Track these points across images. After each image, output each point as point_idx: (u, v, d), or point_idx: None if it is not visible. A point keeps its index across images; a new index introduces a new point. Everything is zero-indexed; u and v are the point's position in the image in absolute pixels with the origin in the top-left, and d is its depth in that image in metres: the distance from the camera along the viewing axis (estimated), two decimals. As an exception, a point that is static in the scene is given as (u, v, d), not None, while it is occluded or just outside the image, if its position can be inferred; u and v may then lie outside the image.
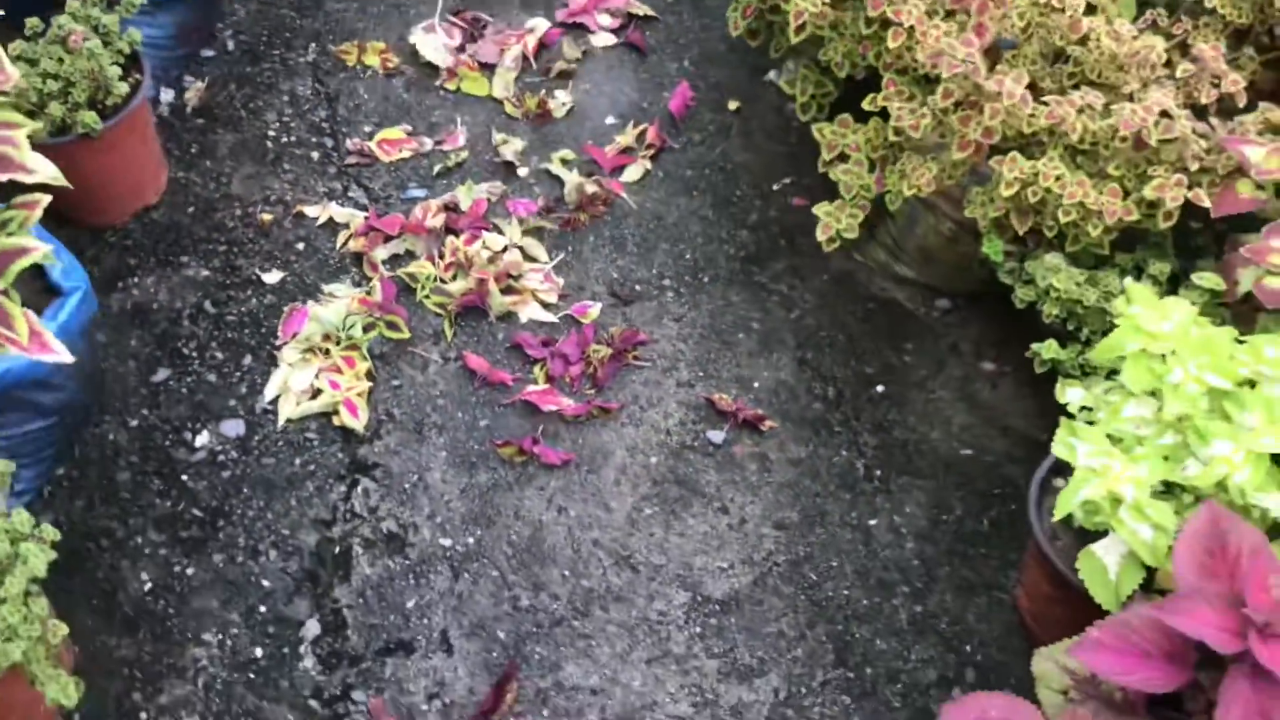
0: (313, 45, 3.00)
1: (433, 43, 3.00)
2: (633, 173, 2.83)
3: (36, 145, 2.28)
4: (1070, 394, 1.98)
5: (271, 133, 2.81)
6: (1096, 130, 2.15)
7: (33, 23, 2.38)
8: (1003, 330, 2.62)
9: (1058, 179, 2.10)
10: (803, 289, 2.67)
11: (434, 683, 2.06)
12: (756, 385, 2.51)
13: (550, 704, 2.05)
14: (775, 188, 2.85)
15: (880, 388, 2.53)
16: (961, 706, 1.67)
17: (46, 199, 1.99)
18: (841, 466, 2.40)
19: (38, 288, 2.15)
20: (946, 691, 2.13)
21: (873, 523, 2.33)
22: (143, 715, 1.98)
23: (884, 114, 2.35)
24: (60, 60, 2.34)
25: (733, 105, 3.00)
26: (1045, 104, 2.14)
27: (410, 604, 2.14)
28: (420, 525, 2.24)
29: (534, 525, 2.26)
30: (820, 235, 2.37)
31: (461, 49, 3.03)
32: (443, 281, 2.54)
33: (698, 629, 2.16)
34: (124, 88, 2.39)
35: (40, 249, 1.86)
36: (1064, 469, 1.96)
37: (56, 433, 2.19)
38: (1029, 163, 2.13)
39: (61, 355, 1.88)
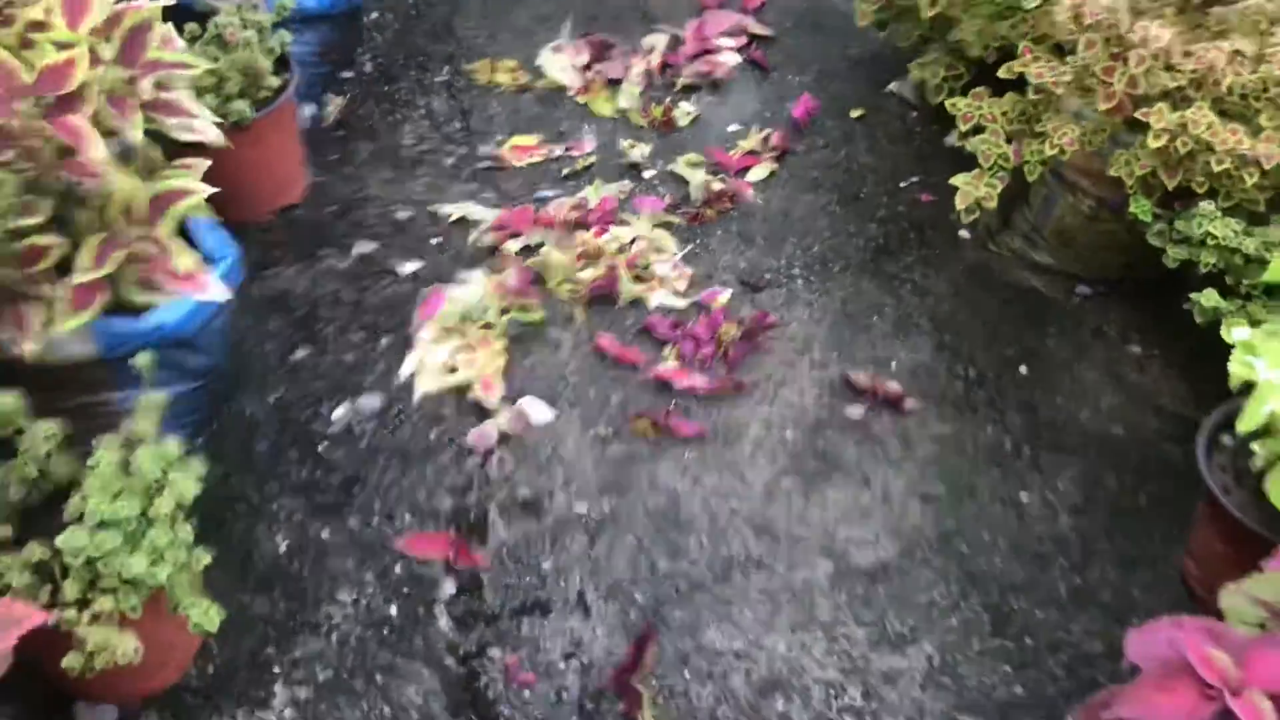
0: (446, 67, 3.10)
1: (560, 62, 3.08)
2: (758, 173, 2.83)
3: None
4: (1237, 332, 1.89)
5: (407, 142, 2.89)
6: (1246, 82, 2.09)
7: (191, 27, 2.50)
8: (1147, 315, 2.53)
9: (1209, 126, 2.04)
10: (936, 279, 2.62)
11: (571, 642, 1.99)
12: (894, 366, 2.45)
13: (691, 666, 1.97)
14: (902, 185, 2.83)
15: (1023, 369, 2.44)
16: (1148, 632, 1.55)
17: (206, 163, 2.06)
18: (988, 443, 2.31)
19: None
20: (1114, 663, 1.99)
21: (1024, 497, 2.23)
22: (275, 669, 1.94)
23: (1020, 86, 2.33)
24: (216, 59, 2.45)
25: (855, 114, 3.01)
26: (1191, 53, 2.09)
27: (546, 566, 2.09)
28: (555, 493, 2.20)
29: (669, 495, 2.21)
30: (959, 203, 2.32)
31: (588, 67, 3.10)
32: (574, 270, 2.55)
33: (843, 597, 2.07)
34: (275, 81, 2.49)
35: (201, 190, 1.91)
36: (1230, 425, 1.86)
37: (201, 398, 2.21)
38: (1176, 113, 2.07)
39: (220, 294, 1.92)
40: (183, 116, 1.90)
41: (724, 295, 2.54)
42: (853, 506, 2.20)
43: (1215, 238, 2.04)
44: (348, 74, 3.05)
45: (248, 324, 2.46)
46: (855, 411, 2.35)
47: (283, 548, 2.11)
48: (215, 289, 1.92)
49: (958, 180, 2.35)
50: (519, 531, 2.14)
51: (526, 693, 1.93)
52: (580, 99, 3.02)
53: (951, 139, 2.91)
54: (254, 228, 2.65)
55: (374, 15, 3.24)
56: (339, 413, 2.32)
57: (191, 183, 1.91)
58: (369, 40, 3.15)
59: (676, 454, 2.28)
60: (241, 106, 2.41)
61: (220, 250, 2.19)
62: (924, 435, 2.32)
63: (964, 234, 2.72)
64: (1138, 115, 2.11)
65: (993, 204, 2.32)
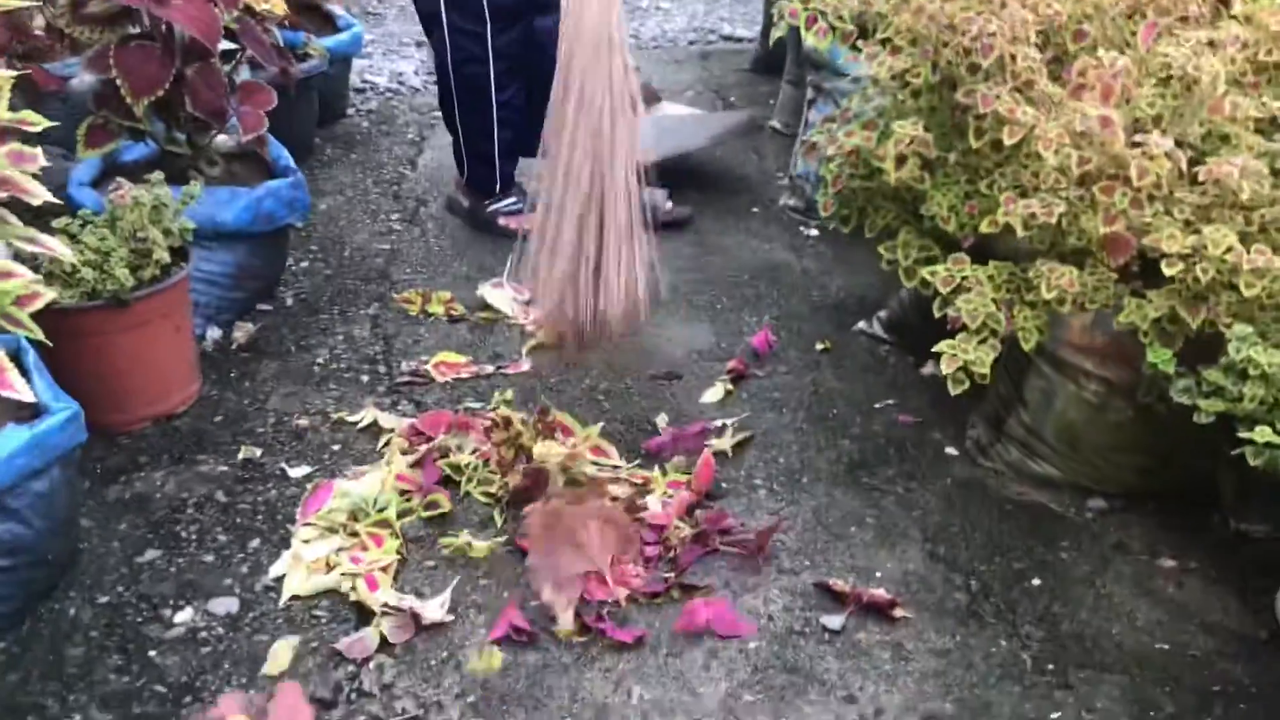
0: (375, 304, 2.85)
1: (501, 295, 2.85)
2: (711, 394, 2.51)
3: (62, 313, 2.09)
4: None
5: (320, 362, 2.58)
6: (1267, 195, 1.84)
7: (84, 212, 2.27)
8: (1175, 530, 2.14)
9: (1228, 249, 1.77)
10: (922, 491, 2.23)
11: None
12: (879, 575, 2.00)
13: None
14: (877, 407, 2.50)
15: (1036, 580, 2.00)
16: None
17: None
18: (1002, 657, 1.83)
19: (14, 403, 1.83)
20: None
21: (1054, 716, 1.72)
22: None
23: (1006, 256, 2.09)
24: (103, 238, 2.20)
25: (820, 346, 2.74)
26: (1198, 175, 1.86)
27: (424, 792, 1.55)
28: (446, 705, 1.69)
29: (596, 709, 1.70)
30: (945, 368, 2.00)
31: (531, 302, 2.86)
32: (495, 472, 2.15)
33: (827, 833, 1.52)
34: (165, 255, 2.22)
35: (23, 274, 1.58)
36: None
37: (3, 585, 1.75)
38: (1190, 236, 1.81)
39: (23, 394, 1.53)
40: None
41: (673, 503, 2.13)
42: (836, 724, 1.69)
43: (1259, 365, 1.70)
44: (265, 306, 2.79)
45: (91, 525, 2.03)
46: (834, 620, 1.88)
47: (72, 768, 1.56)
48: (19, 389, 1.53)
49: (944, 345, 2.03)
50: (392, 748, 1.61)
51: None
52: (522, 325, 2.74)
53: (929, 368, 2.63)
54: (125, 436, 2.27)
55: (304, 263, 3.04)
56: (182, 616, 1.84)
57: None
58: (294, 281, 2.93)
59: (608, 663, 1.78)
60: (122, 273, 2.12)
61: (57, 399, 1.82)
62: (921, 648, 1.85)
63: (951, 450, 2.36)
64: (1146, 241, 1.84)
65: (985, 370, 1.99)
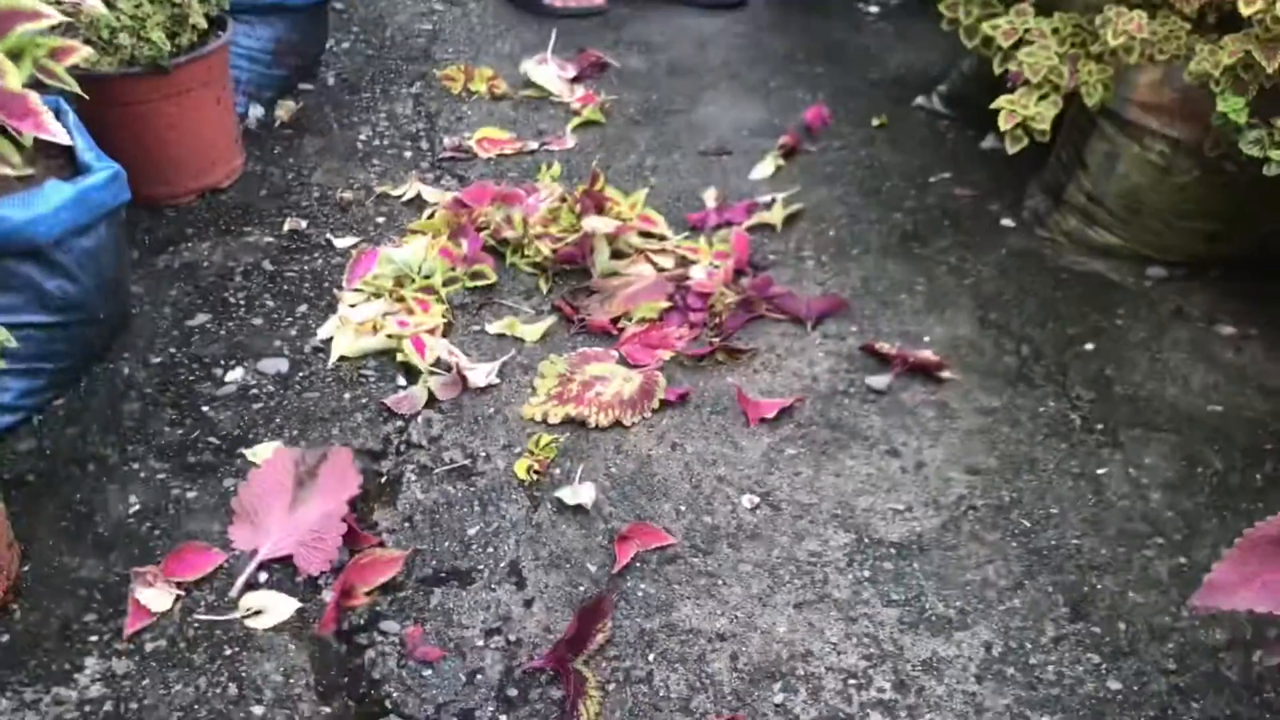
0: (418, 82, 2.79)
1: (545, 72, 2.77)
2: (762, 169, 2.45)
3: (102, 80, 2.06)
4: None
5: (363, 138, 2.54)
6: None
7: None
8: (1238, 297, 2.08)
9: (1307, -13, 1.66)
10: (975, 261, 2.18)
11: (495, 616, 1.46)
12: (927, 340, 1.98)
13: (659, 648, 1.42)
14: (932, 180, 2.43)
15: (1089, 345, 1.97)
16: None
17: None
18: (1051, 416, 1.81)
19: (60, 163, 1.82)
20: (1244, 655, 1.43)
21: (1101, 472, 1.71)
22: (91, 638, 1.42)
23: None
24: (139, 4, 2.14)
25: (876, 122, 2.65)
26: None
27: (471, 532, 1.58)
28: (493, 455, 1.71)
29: (639, 460, 1.71)
30: (1003, 123, 1.92)
31: (577, 80, 2.79)
32: (539, 237, 2.13)
33: (866, 573, 1.53)
34: (201, 21, 2.17)
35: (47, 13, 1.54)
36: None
37: (58, 342, 1.77)
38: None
39: (58, 135, 1.52)
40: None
41: (719, 272, 2.10)
42: (878, 475, 1.69)
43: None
44: (307, 85, 2.74)
45: (141, 291, 2.04)
46: (879, 381, 1.87)
47: (134, 508, 1.61)
48: (54, 131, 1.51)
49: (1001, 101, 1.95)
50: (439, 494, 1.64)
51: (428, 671, 1.38)
52: (567, 103, 2.68)
53: (989, 142, 2.55)
54: (171, 209, 2.27)
55: (345, 44, 2.97)
56: (233, 375, 1.87)
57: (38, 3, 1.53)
58: (335, 61, 2.87)
59: (652, 420, 1.79)
60: (159, 36, 2.08)
61: (101, 160, 1.81)
62: (967, 407, 1.83)
63: (1007, 221, 2.30)
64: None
65: (1044, 127, 1.92)
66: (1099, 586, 1.52)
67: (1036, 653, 1.43)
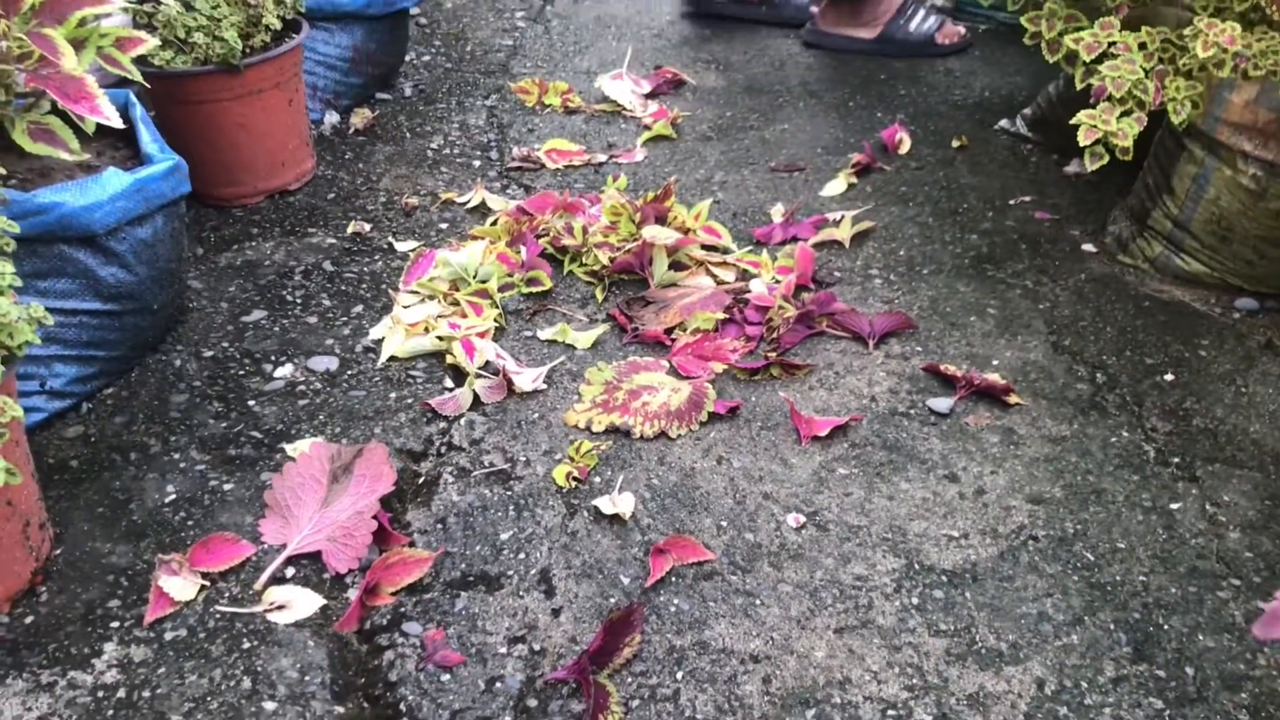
0: (493, 95, 2.79)
1: (619, 87, 2.75)
2: (833, 187, 2.38)
3: (174, 77, 2.09)
4: None
5: (434, 147, 2.54)
6: None
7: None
8: (1337, 332, 1.95)
9: None
10: (1052, 286, 2.09)
11: (521, 624, 1.41)
12: (996, 364, 1.89)
13: (688, 666, 1.36)
14: (1011, 203, 2.34)
15: (1169, 376, 1.86)
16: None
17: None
18: (1123, 447, 1.71)
19: (125, 154, 1.84)
20: (1326, 709, 1.32)
21: (1174, 507, 1.60)
22: (113, 623, 1.40)
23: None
24: (216, 5, 2.17)
25: (956, 143, 2.57)
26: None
27: (504, 537, 1.53)
28: (533, 460, 1.67)
29: (682, 471, 1.65)
30: (1083, 139, 1.83)
31: (652, 96, 2.76)
32: (598, 246, 2.09)
33: (914, 600, 1.45)
34: (275, 22, 2.18)
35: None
36: None
37: (111, 330, 1.78)
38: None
39: (112, 119, 1.52)
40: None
41: (781, 285, 2.04)
42: (933, 500, 1.61)
43: None
44: (384, 95, 2.76)
45: (200, 287, 2.05)
46: (942, 403, 1.79)
47: (170, 498, 1.60)
48: (109, 113, 1.52)
49: (1081, 115, 1.86)
50: (474, 497, 1.60)
51: (446, 676, 1.34)
52: (639, 118, 2.65)
53: (1073, 166, 2.45)
54: (236, 207, 2.28)
55: (425, 57, 2.99)
56: (282, 371, 1.86)
57: (98, -12, 1.54)
58: (414, 73, 2.88)
59: (699, 432, 1.73)
60: (232, 35, 2.10)
61: (163, 150, 1.82)
62: (1034, 434, 1.74)
63: (1089, 247, 2.20)
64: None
65: (1126, 144, 1.82)
66: (1166, 627, 1.42)
67: (1093, 693, 1.33)
